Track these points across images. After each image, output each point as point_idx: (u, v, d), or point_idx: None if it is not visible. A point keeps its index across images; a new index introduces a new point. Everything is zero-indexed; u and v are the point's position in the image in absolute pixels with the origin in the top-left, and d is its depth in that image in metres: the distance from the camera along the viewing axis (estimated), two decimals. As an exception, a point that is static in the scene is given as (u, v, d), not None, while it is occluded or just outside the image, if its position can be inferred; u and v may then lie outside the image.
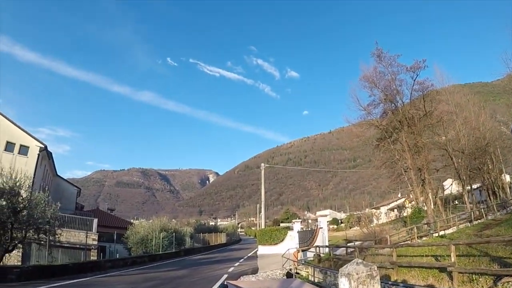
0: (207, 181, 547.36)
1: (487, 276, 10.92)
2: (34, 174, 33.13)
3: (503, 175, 51.41)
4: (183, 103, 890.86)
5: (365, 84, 41.72)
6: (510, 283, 9.80)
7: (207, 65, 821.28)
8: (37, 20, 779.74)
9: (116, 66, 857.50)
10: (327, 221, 50.50)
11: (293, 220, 49.73)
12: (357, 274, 5.35)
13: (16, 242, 20.07)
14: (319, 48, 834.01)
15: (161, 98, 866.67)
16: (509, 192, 49.66)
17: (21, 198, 19.96)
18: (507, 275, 10.06)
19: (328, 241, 40.46)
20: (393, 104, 40.95)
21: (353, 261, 5.76)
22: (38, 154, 35.69)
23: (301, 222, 48.74)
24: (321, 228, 39.85)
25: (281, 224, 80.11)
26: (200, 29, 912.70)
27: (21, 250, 25.16)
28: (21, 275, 18.87)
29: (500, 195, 47.75)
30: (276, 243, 40.94)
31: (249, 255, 40.99)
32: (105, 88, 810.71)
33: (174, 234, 43.21)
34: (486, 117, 47.81)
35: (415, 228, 33.52)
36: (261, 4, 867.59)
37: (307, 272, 23.09)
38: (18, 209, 19.41)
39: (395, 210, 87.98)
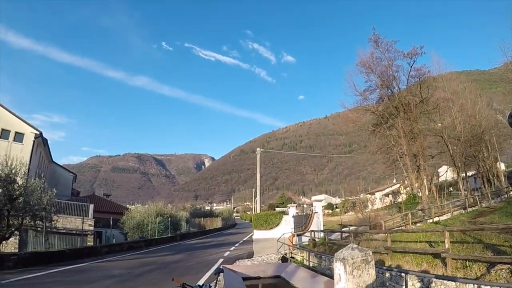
0: (203, 166, 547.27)
1: (480, 263, 11.05)
2: (30, 161, 33.06)
3: (498, 163, 51.68)
4: (178, 88, 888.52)
5: (362, 69, 41.56)
6: (503, 270, 9.93)
7: (202, 49, 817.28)
8: (30, 6, 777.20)
9: (110, 51, 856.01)
10: (322, 206, 50.74)
11: (288, 205, 49.82)
12: (352, 259, 5.39)
13: (13, 229, 20.11)
14: (316, 33, 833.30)
15: (156, 83, 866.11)
16: (503, 180, 49.99)
17: (17, 185, 19.95)
18: (500, 262, 10.18)
19: (323, 226, 40.66)
20: (389, 90, 40.85)
21: (348, 246, 5.80)
22: (34, 141, 35.52)
23: (296, 206, 48.97)
24: (316, 213, 40.04)
25: (276, 209, 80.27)
26: (195, 13, 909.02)
27: (18, 237, 25.15)
28: (18, 262, 18.95)
29: (494, 183, 48.02)
30: (271, 228, 41.15)
31: (244, 239, 41.29)
32: (100, 73, 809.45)
33: (170, 219, 43.39)
34: (482, 105, 47.86)
35: (409, 214, 33.76)
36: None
37: (302, 256, 23.31)
38: (14, 196, 19.42)
39: (390, 195, 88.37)
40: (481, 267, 10.90)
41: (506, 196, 40.89)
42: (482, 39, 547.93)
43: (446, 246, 12.06)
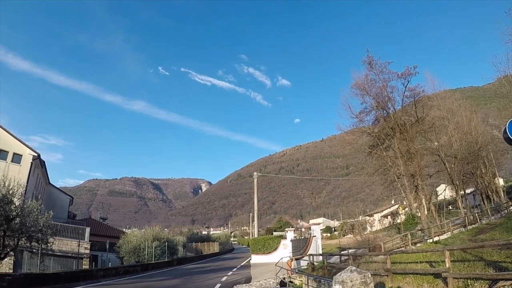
0: (200, 190, 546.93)
1: (482, 281, 10.88)
2: (27, 182, 33.08)
3: (496, 178, 51.73)
4: (174, 112, 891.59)
5: (357, 91, 41.80)
6: (505, 287, 9.77)
7: (198, 74, 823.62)
8: (29, 29, 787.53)
9: (107, 75, 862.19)
10: (321, 229, 50.43)
11: (286, 229, 49.63)
12: (351, 281, 5.32)
13: (8, 249, 19.91)
14: (310, 56, 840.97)
15: (153, 107, 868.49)
16: (502, 195, 49.95)
17: (14, 206, 19.84)
18: (502, 279, 10.03)
19: (322, 249, 40.39)
20: (385, 111, 41.04)
21: (347, 268, 5.72)
22: (31, 163, 35.61)
23: (294, 230, 48.68)
24: (315, 236, 39.74)
25: (274, 233, 79.69)
26: (191, 38, 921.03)
27: (13, 258, 24.88)
28: (13, 282, 18.72)
29: (494, 199, 47.98)
30: (269, 252, 40.86)
31: (242, 264, 40.87)
32: (97, 97, 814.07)
33: (166, 243, 42.97)
34: (478, 121, 48.08)
35: (409, 234, 33.45)
36: (250, 12, 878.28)
37: (301, 280, 23.03)
38: (11, 217, 19.29)
39: (389, 217, 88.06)
40: (483, 285, 10.74)
41: (506, 211, 40.87)
42: (475, 56, 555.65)
43: (447, 265, 11.91)
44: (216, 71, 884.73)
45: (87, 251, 32.95)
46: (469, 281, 11.33)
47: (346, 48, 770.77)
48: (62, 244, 30.62)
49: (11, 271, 25.26)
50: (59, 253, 29.94)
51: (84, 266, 31.41)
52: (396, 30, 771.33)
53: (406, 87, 38.78)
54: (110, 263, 37.20)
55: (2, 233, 18.98)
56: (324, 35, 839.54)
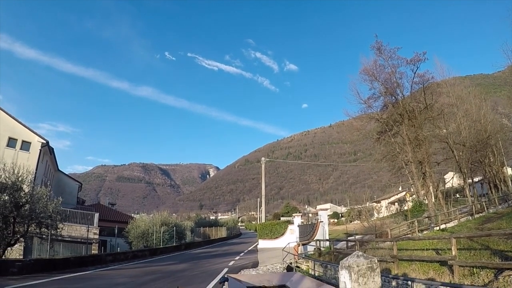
0: (208, 176, 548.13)
1: (488, 270, 10.89)
2: (36, 169, 33.32)
3: (504, 168, 51.25)
4: (182, 98, 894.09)
5: (365, 77, 41.53)
6: (511, 276, 9.78)
7: (205, 59, 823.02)
8: (36, 18, 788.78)
9: (114, 61, 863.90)
10: (328, 215, 50.52)
11: (293, 214, 49.63)
12: (357, 266, 5.33)
13: (18, 236, 20.18)
14: (318, 41, 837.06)
15: (160, 93, 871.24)
16: (510, 185, 49.48)
17: (23, 192, 20.07)
18: (508, 269, 10.04)
19: (329, 235, 40.48)
20: (393, 97, 40.80)
21: (353, 253, 5.73)
22: (40, 150, 35.81)
23: (301, 216, 48.71)
24: (322, 222, 39.82)
25: (282, 218, 80.00)
26: (197, 23, 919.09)
27: (23, 244, 25.27)
28: (23, 268, 18.91)
29: (501, 188, 47.60)
30: (277, 237, 40.99)
31: (249, 249, 41.04)
32: (104, 83, 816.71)
33: (174, 228, 43.26)
34: (487, 109, 47.48)
35: (416, 221, 33.44)
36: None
37: (308, 266, 23.10)
38: (21, 203, 19.53)
39: (396, 203, 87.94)
40: (488, 274, 10.74)
41: (513, 201, 40.55)
42: (485, 43, 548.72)
43: (453, 253, 11.91)
44: (223, 56, 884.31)
45: (96, 237, 33.22)
46: (474, 269, 11.35)
47: (355, 34, 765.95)
48: (71, 230, 30.90)
49: (21, 257, 25.57)
50: (69, 239, 30.21)
51: (93, 251, 31.69)
52: (407, 18, 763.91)
53: (415, 73, 38.47)
54: (118, 248, 37.56)
55: (12, 220, 19.23)
56: (334, 20, 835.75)
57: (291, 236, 38.41)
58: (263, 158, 55.33)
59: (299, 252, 28.52)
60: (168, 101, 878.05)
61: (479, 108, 45.61)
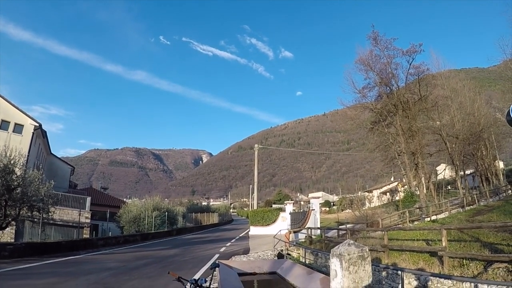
0: (200, 161, 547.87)
1: (477, 261, 10.99)
2: (29, 152, 33.27)
3: (496, 161, 51.65)
4: (176, 83, 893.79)
5: (361, 67, 41.41)
6: (500, 269, 9.87)
7: (200, 44, 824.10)
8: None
9: (108, 45, 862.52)
10: (319, 203, 50.67)
11: (285, 202, 49.76)
12: (348, 254, 5.35)
13: (10, 219, 20.13)
14: (314, 29, 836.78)
15: (154, 77, 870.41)
16: (502, 178, 49.98)
17: (15, 175, 19.97)
18: (497, 261, 10.13)
19: (320, 223, 40.62)
20: (388, 88, 40.78)
21: (344, 242, 5.76)
22: (33, 133, 35.66)
23: (293, 203, 48.88)
24: (313, 210, 39.99)
25: (273, 206, 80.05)
26: (193, 7, 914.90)
27: (14, 227, 25.23)
28: (14, 251, 18.92)
29: (493, 181, 48.01)
30: (268, 224, 41.20)
31: (240, 235, 41.27)
32: (98, 67, 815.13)
33: (166, 213, 43.35)
34: (481, 103, 47.74)
35: (407, 212, 33.63)
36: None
37: (298, 253, 23.27)
38: (12, 186, 19.44)
39: (388, 193, 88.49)
40: (478, 266, 10.84)
41: (504, 194, 40.94)
42: (481, 37, 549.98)
43: (443, 244, 11.99)
44: (218, 41, 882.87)
45: (88, 221, 33.24)
46: (464, 261, 11.43)
47: (351, 25, 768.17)
48: (63, 214, 30.89)
49: (12, 240, 25.58)
50: (60, 223, 30.21)
51: (84, 235, 31.76)
52: (404, 10, 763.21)
53: (410, 64, 38.39)
54: (110, 233, 37.57)
55: (4, 203, 19.16)
56: (331, 10, 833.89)
57: (282, 224, 38.61)
58: (256, 145, 55.47)
59: (290, 240, 28.70)
60: (162, 85, 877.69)
61: (473, 101, 45.80)
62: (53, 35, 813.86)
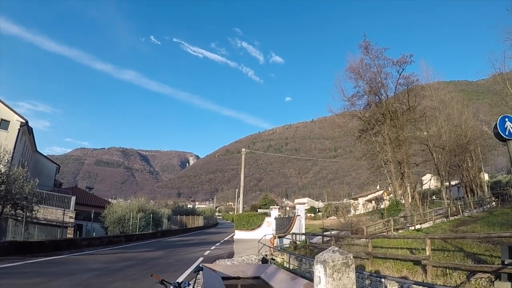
0: (187, 164, 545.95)
1: (460, 271, 11.09)
2: (14, 149, 32.81)
3: (482, 173, 52.33)
4: (165, 84, 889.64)
5: (351, 75, 41.75)
6: (483, 279, 9.97)
7: (190, 45, 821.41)
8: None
9: (98, 43, 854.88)
10: (305, 209, 50.72)
11: (271, 207, 49.71)
12: (332, 261, 5.35)
13: (-7, 217, 19.85)
14: (306, 36, 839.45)
15: (143, 77, 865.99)
16: (486, 190, 50.58)
17: (0, 172, 19.70)
18: (480, 271, 10.23)
19: (305, 229, 40.68)
20: (377, 97, 41.11)
21: (329, 248, 5.76)
22: (19, 129, 35.26)
23: (278, 209, 48.85)
24: (299, 215, 40.02)
25: (259, 210, 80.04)
26: (184, 8, 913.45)
27: (-3, 225, 24.90)
28: (-4, 250, 18.67)
29: (477, 193, 48.59)
30: (253, 229, 41.13)
31: (225, 239, 41.21)
32: (87, 64, 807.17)
33: (151, 215, 43.10)
34: (468, 115, 48.43)
35: (391, 220, 33.88)
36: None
37: (283, 258, 23.31)
38: (-4, 183, 19.18)
39: (373, 201, 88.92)
40: (461, 275, 10.95)
41: (488, 206, 41.48)
42: (471, 51, 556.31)
43: (427, 253, 12.12)
44: (209, 43, 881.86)
45: (72, 220, 32.90)
46: (447, 270, 11.55)
47: (343, 33, 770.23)
48: (47, 213, 30.55)
49: (-5, 238, 25.26)
50: (44, 222, 29.87)
51: (68, 235, 31.41)
52: (395, 20, 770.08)
53: (400, 74, 38.84)
54: (94, 233, 37.30)
55: (-13, 200, 18.92)
56: (323, 17, 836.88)
57: (267, 228, 38.56)
58: (243, 149, 55.40)
59: (274, 245, 28.73)
60: (151, 86, 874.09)
61: (460, 114, 46.40)
62: (43, 30, 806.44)
